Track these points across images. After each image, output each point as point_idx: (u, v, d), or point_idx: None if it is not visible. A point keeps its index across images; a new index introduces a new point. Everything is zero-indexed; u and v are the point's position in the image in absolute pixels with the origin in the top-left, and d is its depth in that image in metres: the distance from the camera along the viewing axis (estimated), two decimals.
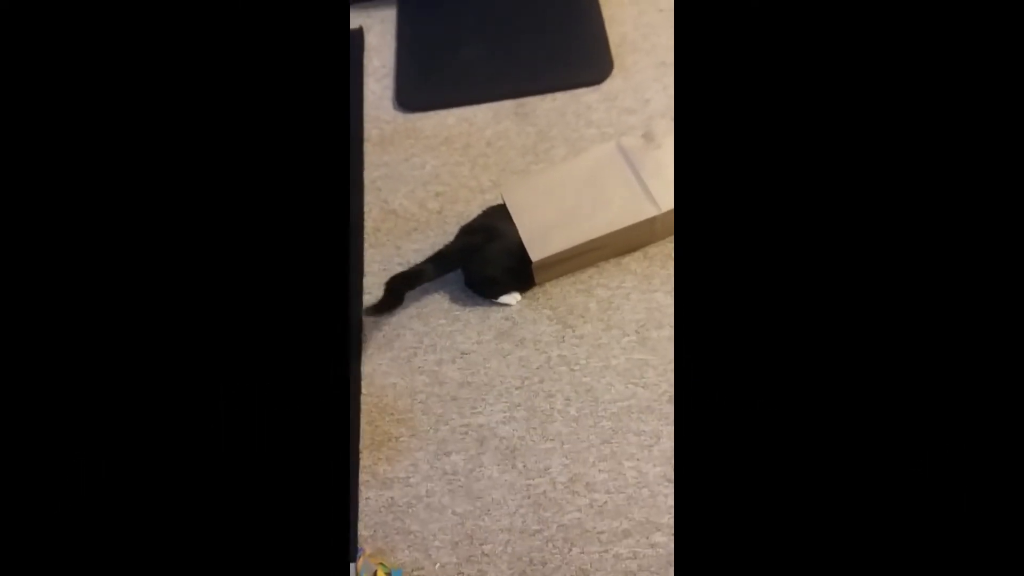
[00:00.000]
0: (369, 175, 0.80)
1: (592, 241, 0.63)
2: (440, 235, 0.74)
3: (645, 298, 0.67)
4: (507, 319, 0.68)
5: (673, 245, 0.69)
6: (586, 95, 0.80)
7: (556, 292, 0.69)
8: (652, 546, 0.56)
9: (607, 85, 0.80)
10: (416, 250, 0.74)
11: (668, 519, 0.57)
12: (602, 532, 0.57)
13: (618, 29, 0.84)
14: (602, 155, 0.67)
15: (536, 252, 0.63)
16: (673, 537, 0.56)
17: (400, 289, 0.66)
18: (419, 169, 0.79)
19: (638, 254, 0.70)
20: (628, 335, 0.65)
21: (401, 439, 0.64)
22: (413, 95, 0.85)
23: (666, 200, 0.63)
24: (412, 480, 0.62)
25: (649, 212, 0.63)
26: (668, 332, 0.65)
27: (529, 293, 0.69)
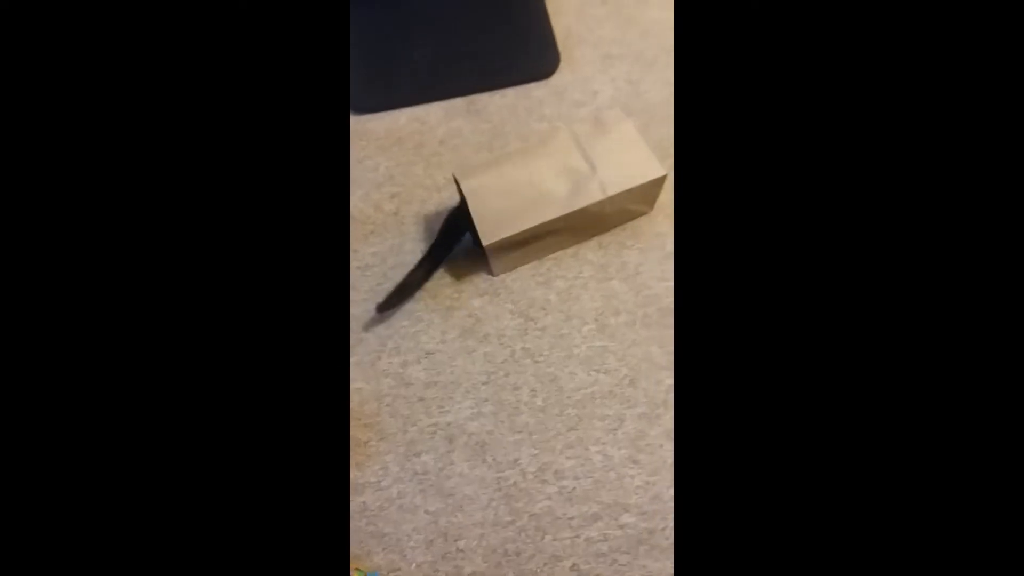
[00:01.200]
0: None
1: (543, 225, 0.65)
2: (397, 236, 0.74)
3: (602, 287, 0.69)
4: (470, 316, 0.69)
5: (625, 234, 0.71)
6: (536, 89, 0.81)
7: (517, 286, 0.70)
8: (621, 527, 0.58)
9: (555, 79, 0.81)
10: (374, 253, 0.73)
11: (635, 499, 0.59)
12: (572, 518, 0.59)
13: (562, 21, 0.85)
14: (554, 142, 0.68)
15: (488, 237, 0.64)
16: (640, 517, 0.58)
17: (396, 305, 0.67)
18: (372, 171, 0.79)
19: (592, 243, 0.71)
20: (588, 323, 0.67)
21: (370, 443, 0.64)
22: (363, 98, 0.84)
23: (614, 185, 0.65)
24: (383, 483, 0.62)
25: (596, 196, 0.65)
26: (625, 318, 0.67)
27: (491, 289, 0.70)
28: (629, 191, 0.65)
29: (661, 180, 0.67)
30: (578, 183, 0.65)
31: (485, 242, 0.64)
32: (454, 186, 0.74)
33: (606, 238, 0.71)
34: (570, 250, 0.71)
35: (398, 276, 0.71)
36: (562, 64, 0.82)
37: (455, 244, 0.70)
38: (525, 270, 0.70)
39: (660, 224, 0.72)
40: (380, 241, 0.74)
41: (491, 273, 0.70)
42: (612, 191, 0.65)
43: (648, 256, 0.70)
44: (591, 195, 0.65)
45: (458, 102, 0.82)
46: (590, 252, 0.71)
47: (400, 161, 0.79)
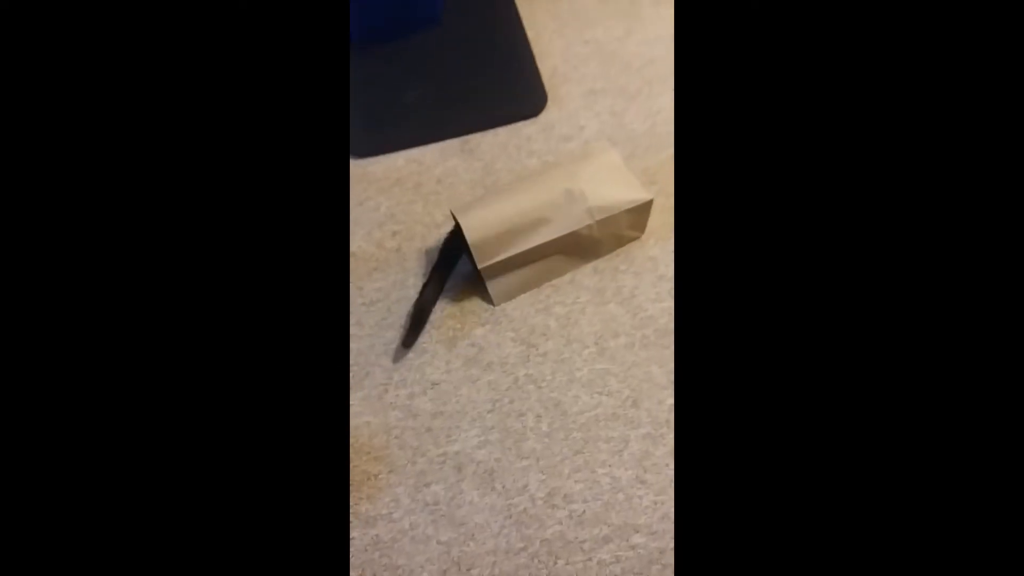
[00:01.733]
0: None
1: (535, 249, 0.68)
2: (400, 272, 0.76)
3: (600, 311, 0.71)
4: (473, 346, 0.71)
5: (619, 259, 0.74)
6: (525, 127, 0.85)
7: (517, 314, 0.72)
8: (632, 548, 0.58)
9: (543, 116, 0.86)
10: (378, 288, 0.76)
11: (644, 520, 0.59)
12: (584, 541, 0.59)
13: (548, 63, 0.90)
14: (543, 175, 0.72)
15: (482, 260, 0.68)
16: (651, 537, 0.58)
17: (418, 332, 0.71)
18: (374, 211, 0.82)
19: (588, 270, 0.74)
20: (588, 347, 0.69)
21: (380, 476, 0.65)
22: (363, 143, 0.88)
23: (602, 210, 0.69)
24: (395, 515, 0.63)
25: (585, 220, 0.68)
26: (624, 340, 0.68)
27: (492, 318, 0.72)
28: (616, 215, 0.69)
29: (648, 205, 0.70)
30: (567, 209, 0.69)
31: (480, 264, 0.68)
32: (452, 221, 0.77)
33: (601, 264, 0.74)
34: (567, 277, 0.73)
35: (402, 310, 0.73)
36: (549, 102, 0.86)
37: (455, 263, 0.74)
38: (524, 298, 0.73)
39: (651, 248, 0.74)
40: (383, 277, 0.77)
41: (491, 303, 0.72)
42: (600, 216, 0.68)
43: (642, 279, 0.72)
44: (580, 219, 0.68)
45: (453, 143, 0.86)
46: (586, 278, 0.73)
47: (400, 200, 0.82)
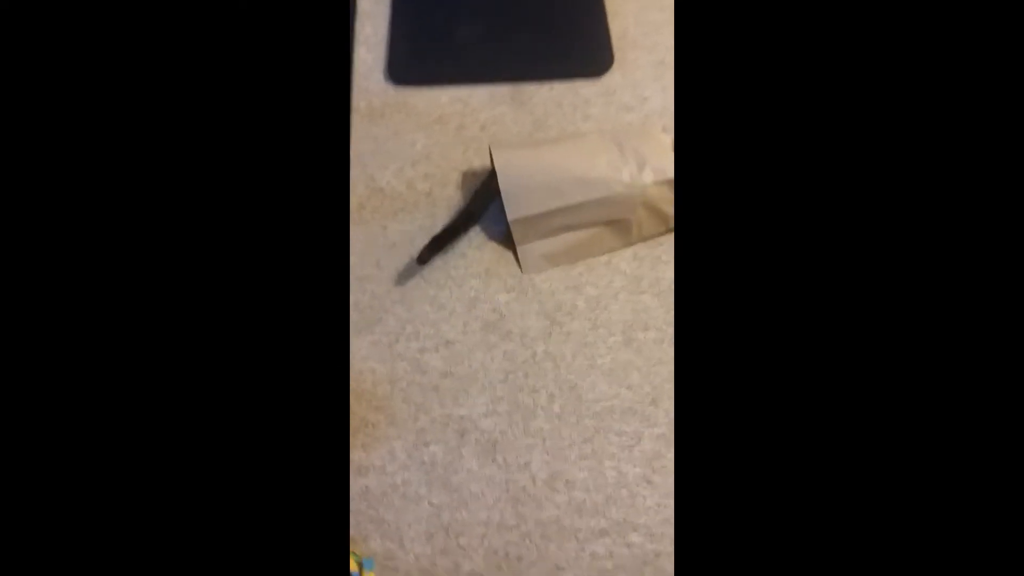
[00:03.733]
0: (355, 148, 0.76)
1: (572, 209, 0.65)
2: (429, 218, 0.71)
3: (633, 299, 0.68)
4: (495, 311, 0.67)
5: (662, 249, 0.70)
6: (584, 87, 0.79)
7: (546, 287, 0.68)
8: (628, 546, 0.57)
9: (606, 79, 0.79)
10: (403, 231, 0.71)
11: (645, 520, 0.58)
12: (579, 530, 0.58)
13: (619, 23, 0.83)
14: (592, 136, 0.68)
15: (513, 211, 0.65)
16: (648, 538, 0.57)
17: (432, 255, 0.67)
18: (409, 147, 0.76)
19: (627, 254, 0.70)
20: (615, 335, 0.66)
21: (379, 426, 0.62)
22: (405, 68, 0.81)
23: (648, 175, 0.65)
24: (388, 469, 0.61)
25: (630, 188, 0.65)
26: (654, 335, 0.66)
27: (519, 286, 0.68)
28: (663, 188, 0.65)
29: None
30: (611, 171, 0.65)
31: (510, 216, 0.64)
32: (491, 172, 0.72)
33: (642, 250, 0.70)
34: (603, 258, 0.70)
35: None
36: (615, 66, 0.80)
37: (488, 206, 0.70)
38: (555, 272, 0.69)
39: None
40: (410, 220, 0.71)
41: (520, 270, 0.68)
42: (647, 181, 0.65)
43: None
44: (624, 186, 0.65)
45: (503, 88, 0.79)
46: (624, 263, 0.69)
47: (439, 141, 0.76)
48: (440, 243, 0.67)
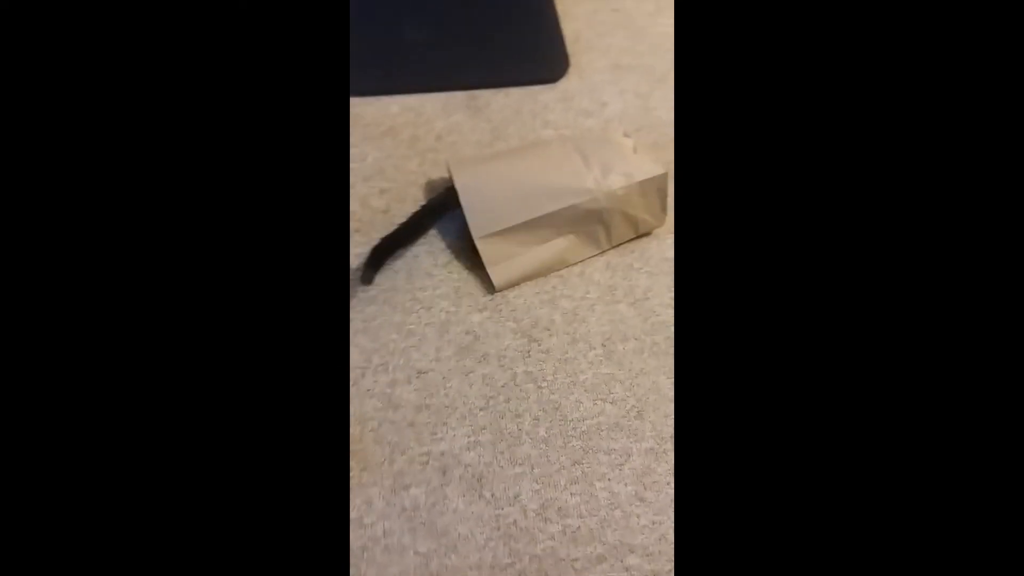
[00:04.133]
0: None
1: (539, 221, 0.63)
2: None
3: (609, 310, 0.65)
4: (468, 333, 0.63)
5: (633, 256, 0.68)
6: (542, 93, 0.76)
7: (520, 303, 0.65)
8: (626, 569, 0.55)
9: (563, 84, 0.77)
10: (359, 254, 0.65)
11: (641, 540, 0.56)
12: (576, 559, 0.55)
13: (571, 25, 0.81)
14: (552, 144, 0.67)
15: (479, 229, 0.62)
16: (646, 559, 0.55)
17: (377, 264, 0.62)
18: (359, 161, 0.70)
19: (600, 263, 0.68)
20: (594, 348, 0.63)
21: (351, 474, 0.57)
22: (352, 76, 0.75)
23: (613, 181, 0.64)
24: (366, 520, 0.55)
25: (595, 193, 0.63)
26: (633, 345, 0.64)
27: (491, 304, 0.65)
28: (629, 191, 0.64)
29: (663, 181, 0.65)
30: (575, 179, 0.63)
31: (476, 236, 0.61)
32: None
33: (614, 259, 0.68)
34: (575, 269, 0.67)
35: (387, 282, 0.63)
36: (570, 70, 0.78)
37: (439, 218, 0.66)
38: (529, 287, 0.66)
39: (669, 249, 0.69)
40: (367, 241, 0.66)
41: (491, 287, 0.65)
42: (612, 186, 0.63)
43: (657, 281, 0.68)
44: (590, 192, 0.63)
45: (458, 96, 0.75)
46: (597, 272, 0.67)
47: (391, 154, 0.71)
48: (382, 256, 0.63)
